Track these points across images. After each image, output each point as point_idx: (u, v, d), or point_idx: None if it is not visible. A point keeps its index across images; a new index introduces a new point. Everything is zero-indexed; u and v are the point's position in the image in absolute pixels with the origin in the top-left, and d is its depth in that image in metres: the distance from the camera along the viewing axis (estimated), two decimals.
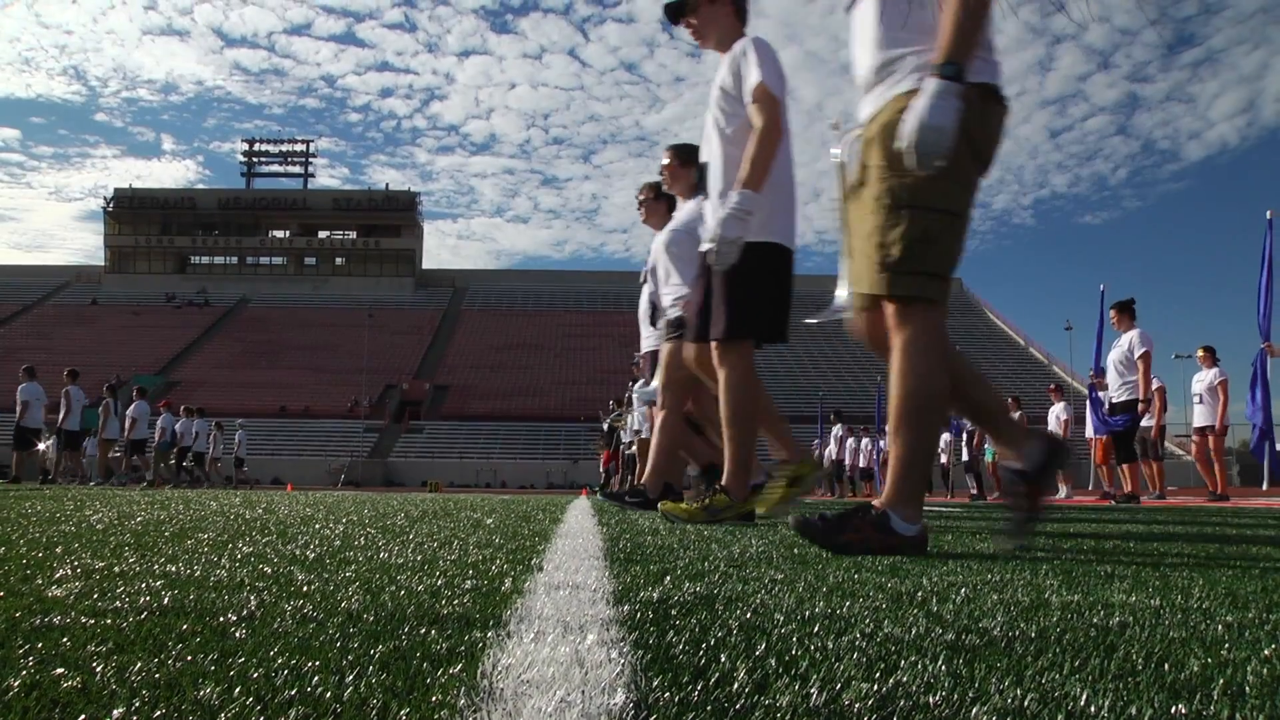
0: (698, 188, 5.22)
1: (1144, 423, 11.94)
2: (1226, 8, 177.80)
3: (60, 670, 0.88)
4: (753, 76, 3.87)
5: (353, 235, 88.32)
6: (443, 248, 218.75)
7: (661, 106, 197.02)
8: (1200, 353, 12.04)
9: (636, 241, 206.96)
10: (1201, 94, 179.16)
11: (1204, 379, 11.71)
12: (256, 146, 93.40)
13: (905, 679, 0.91)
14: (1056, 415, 15.04)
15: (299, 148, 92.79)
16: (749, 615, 1.30)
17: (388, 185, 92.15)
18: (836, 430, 21.60)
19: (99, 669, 0.89)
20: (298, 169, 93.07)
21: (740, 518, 3.97)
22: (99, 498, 6.82)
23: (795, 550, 2.46)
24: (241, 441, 26.76)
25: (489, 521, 3.88)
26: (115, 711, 0.76)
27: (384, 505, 6.44)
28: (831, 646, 1.07)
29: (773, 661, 0.98)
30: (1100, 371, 11.15)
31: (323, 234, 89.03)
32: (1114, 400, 10.21)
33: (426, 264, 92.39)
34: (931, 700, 0.84)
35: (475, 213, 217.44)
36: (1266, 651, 1.06)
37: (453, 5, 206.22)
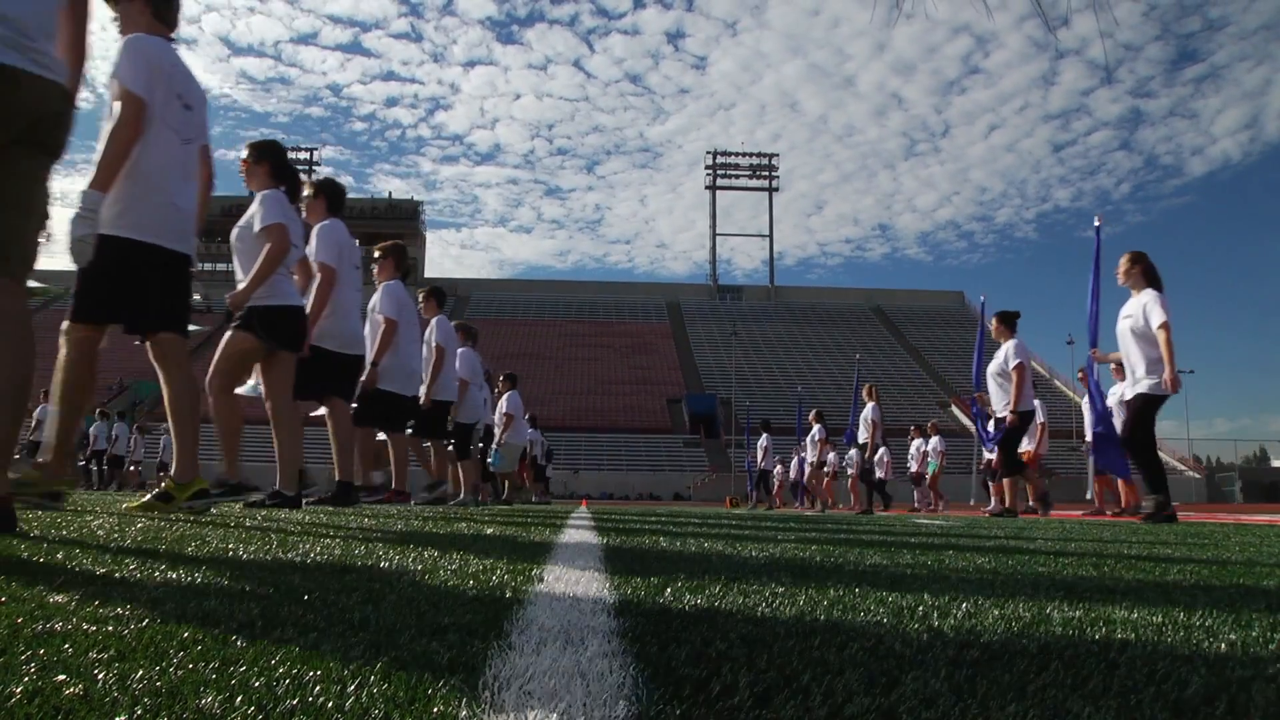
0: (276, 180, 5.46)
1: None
2: (1230, 24, 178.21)
3: (62, 677, 0.88)
4: (119, 74, 3.98)
5: (354, 242, 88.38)
6: (446, 257, 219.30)
7: (665, 118, 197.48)
8: (1113, 366, 12.00)
9: (639, 253, 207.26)
10: (1204, 109, 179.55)
11: (1115, 391, 11.65)
12: None
13: (907, 693, 0.90)
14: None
15: (303, 155, 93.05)
16: (750, 627, 1.29)
17: (390, 194, 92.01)
18: (763, 440, 21.65)
19: (101, 676, 0.89)
20: (301, 177, 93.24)
21: (46, 497, 4.01)
22: (97, 503, 6.81)
23: (796, 563, 2.46)
24: (166, 446, 26.76)
25: (489, 531, 3.88)
26: (117, 719, 0.76)
27: (384, 513, 6.43)
28: (833, 659, 1.07)
29: (774, 674, 0.98)
30: (981, 386, 11.13)
31: None
32: (998, 415, 10.11)
33: (429, 273, 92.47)
34: (933, 715, 0.84)
35: (479, 222, 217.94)
36: (1270, 671, 1.06)
37: (459, 16, 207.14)
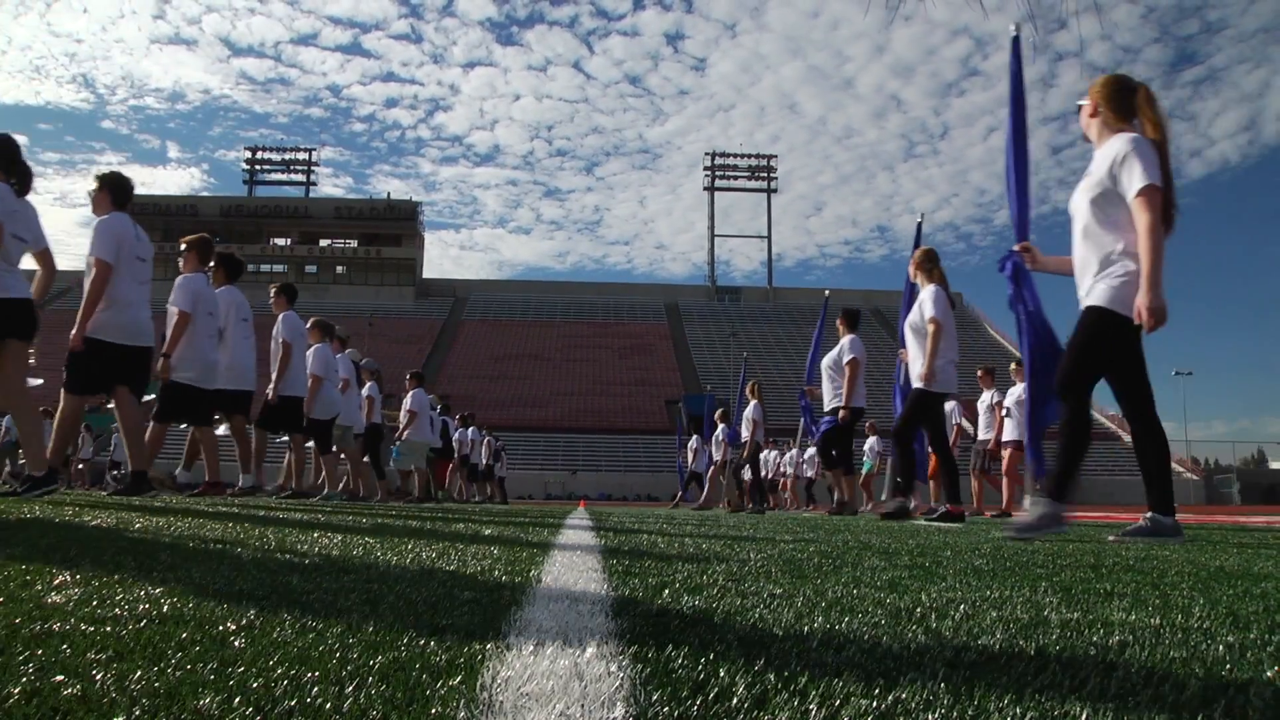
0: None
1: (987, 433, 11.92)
2: (1228, 26, 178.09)
3: (60, 677, 0.88)
4: None
5: (354, 244, 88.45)
6: (445, 258, 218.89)
7: (665, 119, 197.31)
8: (1013, 366, 12.07)
9: (638, 254, 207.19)
10: (1203, 112, 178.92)
11: (1015, 393, 11.67)
12: (259, 155, 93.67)
13: (904, 695, 0.90)
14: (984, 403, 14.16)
15: (301, 156, 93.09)
16: (748, 629, 1.29)
17: (389, 194, 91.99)
18: (693, 442, 21.72)
19: (99, 677, 0.89)
20: (300, 177, 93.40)
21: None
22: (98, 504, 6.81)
23: (794, 565, 2.46)
24: (117, 445, 26.94)
25: (487, 532, 3.88)
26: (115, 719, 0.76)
27: (382, 514, 6.43)
28: (830, 662, 1.07)
29: (772, 676, 0.98)
30: (814, 380, 11.18)
31: (324, 242, 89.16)
32: (827, 407, 10.08)
33: (429, 274, 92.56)
34: (931, 717, 0.84)
35: (478, 223, 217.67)
36: (1269, 673, 1.06)
37: (459, 17, 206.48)
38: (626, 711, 0.83)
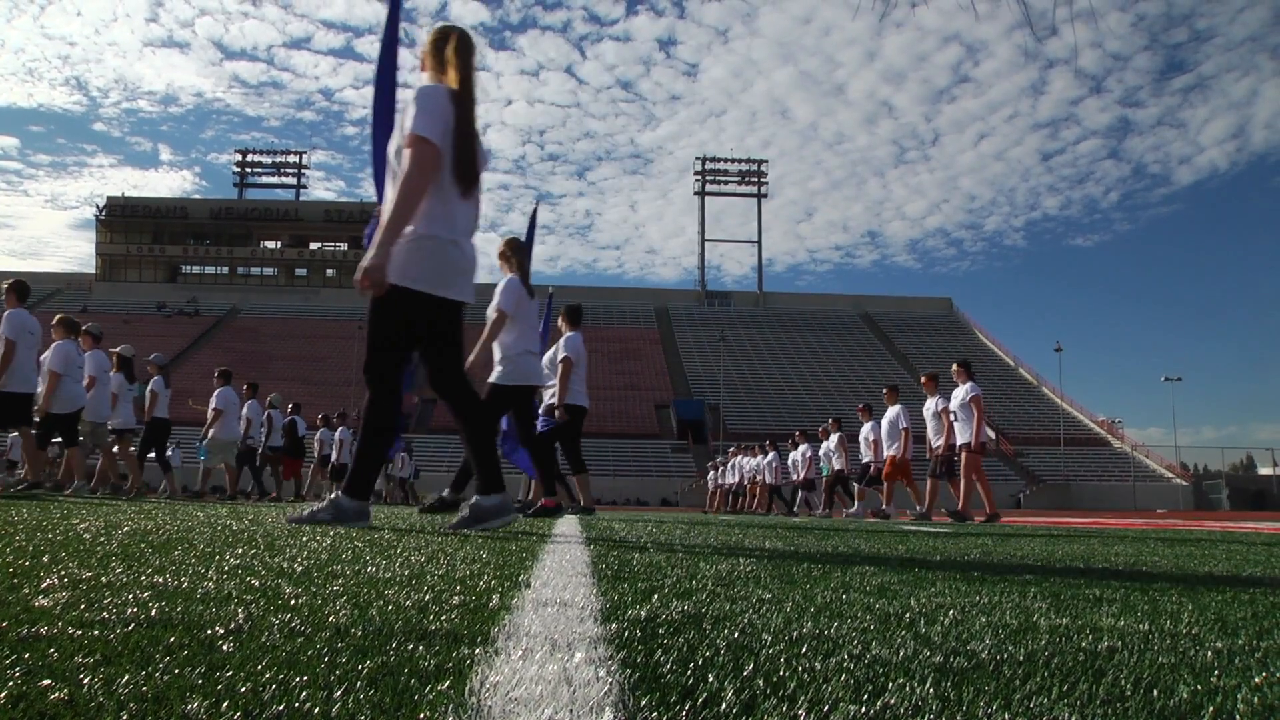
0: None
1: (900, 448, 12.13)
2: (1216, 35, 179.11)
3: (47, 681, 0.88)
4: None
5: (344, 247, 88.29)
6: None
7: (656, 124, 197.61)
8: (955, 367, 12.12)
9: (629, 258, 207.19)
10: (1192, 119, 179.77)
11: (958, 395, 11.74)
12: (250, 157, 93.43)
13: (893, 701, 0.91)
14: (865, 437, 14.53)
15: (292, 159, 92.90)
16: (737, 635, 1.29)
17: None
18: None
19: (86, 681, 0.88)
20: (291, 180, 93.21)
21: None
22: (85, 505, 6.77)
23: (783, 570, 2.46)
24: (13, 445, 26.88)
25: (476, 536, 3.87)
26: None
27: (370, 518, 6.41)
28: (819, 667, 1.07)
29: (760, 682, 0.98)
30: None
31: (314, 245, 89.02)
32: (543, 406, 9.98)
33: None
34: None
35: None
36: (1257, 679, 1.06)
37: (452, 21, 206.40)
38: (615, 716, 0.83)
